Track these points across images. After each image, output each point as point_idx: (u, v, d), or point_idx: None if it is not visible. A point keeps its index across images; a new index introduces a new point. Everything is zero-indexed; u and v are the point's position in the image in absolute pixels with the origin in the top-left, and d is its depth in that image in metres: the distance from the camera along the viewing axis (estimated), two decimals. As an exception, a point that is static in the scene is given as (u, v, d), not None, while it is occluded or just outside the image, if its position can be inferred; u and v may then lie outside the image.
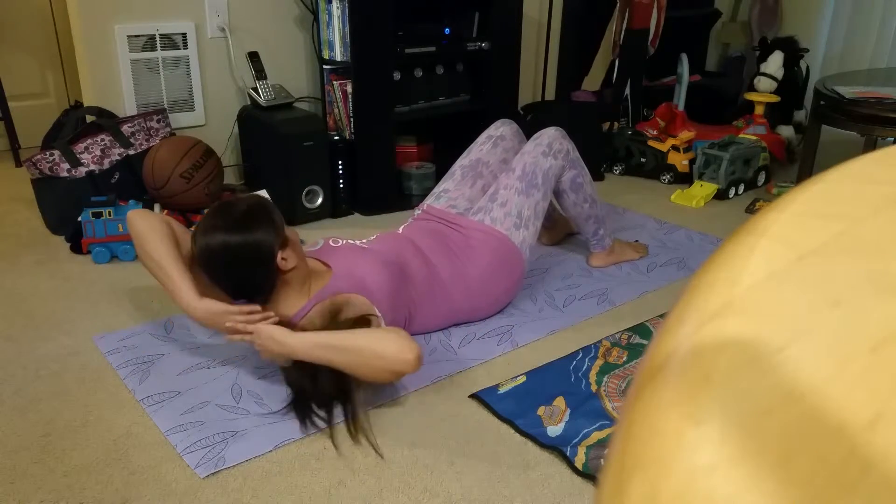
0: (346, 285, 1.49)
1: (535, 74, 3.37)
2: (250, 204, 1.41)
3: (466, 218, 1.78)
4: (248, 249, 1.38)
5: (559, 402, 1.42)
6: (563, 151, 1.81)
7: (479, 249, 1.71)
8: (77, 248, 2.12)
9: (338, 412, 1.37)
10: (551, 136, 1.81)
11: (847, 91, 2.30)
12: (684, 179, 2.84)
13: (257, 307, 1.42)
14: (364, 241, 1.68)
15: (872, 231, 0.34)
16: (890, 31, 3.49)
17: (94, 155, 2.25)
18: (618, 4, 3.03)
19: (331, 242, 1.64)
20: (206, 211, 1.37)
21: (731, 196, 2.72)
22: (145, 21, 2.37)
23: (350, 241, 1.65)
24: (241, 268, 1.39)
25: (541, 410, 1.39)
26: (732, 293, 0.33)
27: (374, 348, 1.31)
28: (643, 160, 2.93)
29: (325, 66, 2.53)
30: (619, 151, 2.98)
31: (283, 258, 1.42)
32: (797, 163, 2.99)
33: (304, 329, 1.41)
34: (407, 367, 1.32)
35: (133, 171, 2.30)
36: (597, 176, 2.89)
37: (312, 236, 2.31)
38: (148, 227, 1.50)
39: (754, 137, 2.84)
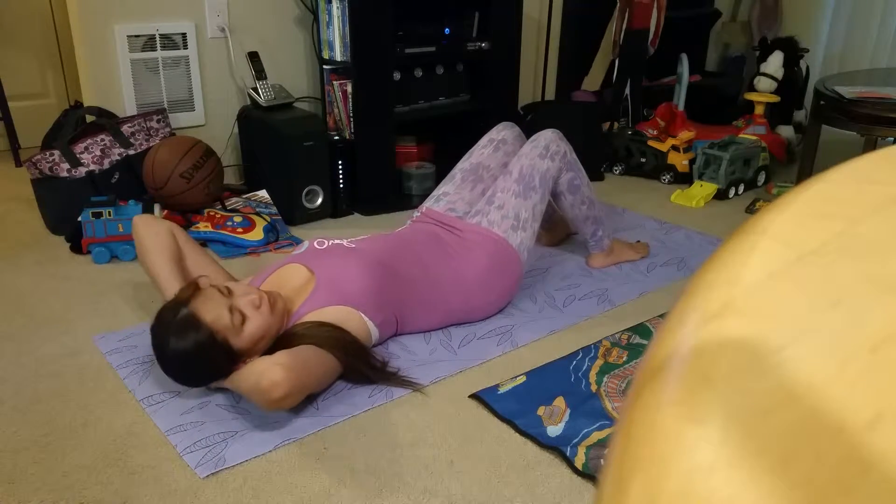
0: (327, 296, 1.49)
1: (535, 74, 3.37)
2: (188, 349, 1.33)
3: (464, 221, 1.77)
4: (201, 376, 1.40)
5: (559, 402, 1.42)
6: (560, 153, 1.81)
7: (477, 251, 1.71)
8: (77, 248, 2.12)
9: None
10: (548, 139, 1.81)
11: (847, 91, 2.30)
12: (684, 179, 2.84)
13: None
14: (352, 240, 1.68)
15: (872, 231, 0.34)
16: (890, 31, 3.49)
17: (94, 155, 2.24)
18: (618, 4, 3.03)
19: (315, 245, 1.63)
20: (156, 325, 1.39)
21: (731, 196, 2.72)
22: (145, 21, 2.37)
23: (337, 240, 1.64)
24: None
25: (541, 410, 1.39)
26: (732, 293, 0.33)
27: (244, 384, 1.31)
28: (643, 160, 2.93)
29: (325, 66, 2.53)
30: (619, 151, 2.98)
31: (240, 365, 1.38)
32: (797, 163, 2.99)
33: (295, 333, 1.42)
34: (267, 402, 1.26)
35: (133, 171, 2.30)
36: (597, 176, 2.89)
37: (312, 236, 2.30)
38: (149, 238, 1.57)
39: (754, 137, 2.84)
